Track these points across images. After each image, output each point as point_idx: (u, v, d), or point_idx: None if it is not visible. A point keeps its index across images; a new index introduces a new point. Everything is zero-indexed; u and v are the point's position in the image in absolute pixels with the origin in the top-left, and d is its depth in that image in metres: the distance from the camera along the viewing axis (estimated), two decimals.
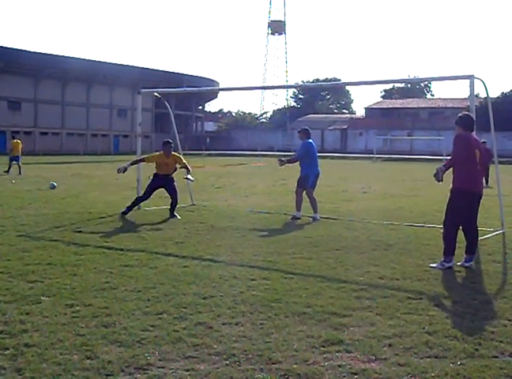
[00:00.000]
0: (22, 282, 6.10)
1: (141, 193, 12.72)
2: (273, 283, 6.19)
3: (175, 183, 12.07)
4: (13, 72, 67.09)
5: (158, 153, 12.33)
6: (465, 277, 6.71)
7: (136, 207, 11.96)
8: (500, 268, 7.18)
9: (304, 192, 11.80)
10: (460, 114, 7.65)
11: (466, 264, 7.24)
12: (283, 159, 12.56)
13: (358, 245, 8.70)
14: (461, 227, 7.41)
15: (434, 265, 7.19)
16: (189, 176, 12.06)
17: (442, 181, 7.24)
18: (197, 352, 4.19)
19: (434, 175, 7.30)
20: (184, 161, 12.16)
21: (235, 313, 5.13)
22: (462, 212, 7.30)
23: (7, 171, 24.80)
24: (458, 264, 7.27)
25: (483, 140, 20.00)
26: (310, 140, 11.99)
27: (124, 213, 11.45)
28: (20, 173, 24.19)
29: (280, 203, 14.48)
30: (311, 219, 11.37)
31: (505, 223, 10.06)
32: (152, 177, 12.09)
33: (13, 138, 26.70)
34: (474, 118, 7.59)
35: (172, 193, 11.87)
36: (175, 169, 12.25)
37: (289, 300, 5.54)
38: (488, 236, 9.44)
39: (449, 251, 7.22)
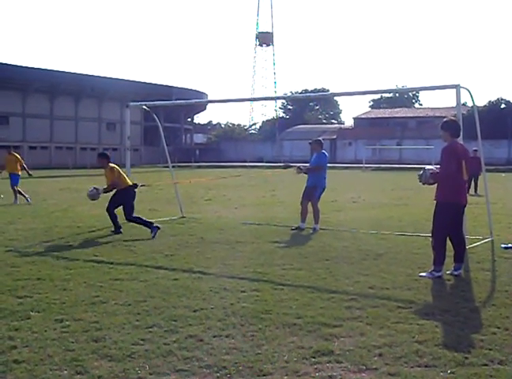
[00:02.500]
0: (11, 297, 6.07)
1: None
2: (264, 295, 6.19)
3: (124, 197, 11.13)
4: (0, 86, 66.89)
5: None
6: (455, 285, 6.74)
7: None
8: (489, 276, 7.22)
9: (308, 203, 11.86)
10: (445, 119, 7.64)
11: (455, 273, 7.28)
12: (301, 167, 12.30)
13: (348, 255, 8.72)
14: (448, 237, 7.45)
15: (423, 274, 7.22)
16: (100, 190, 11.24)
17: (425, 183, 7.41)
18: (188, 365, 4.18)
19: (420, 176, 7.43)
20: (116, 176, 11.15)
21: (226, 325, 5.12)
22: (449, 223, 7.33)
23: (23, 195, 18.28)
24: (448, 272, 7.31)
25: (474, 149, 20.18)
26: (325, 152, 12.15)
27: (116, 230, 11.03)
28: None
29: (270, 214, 14.50)
30: (312, 229, 11.42)
31: (493, 231, 10.12)
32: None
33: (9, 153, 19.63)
34: (459, 125, 7.63)
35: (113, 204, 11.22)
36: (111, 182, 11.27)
37: (279, 311, 5.54)
38: (477, 244, 9.50)
39: (438, 261, 7.25)
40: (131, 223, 11.09)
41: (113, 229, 11.04)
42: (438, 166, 7.52)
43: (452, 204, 7.28)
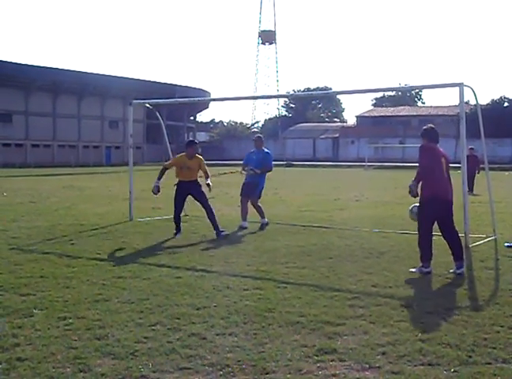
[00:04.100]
0: (14, 295, 6.07)
1: (133, 204, 12.76)
2: (267, 293, 6.18)
3: (202, 188, 10.73)
4: (3, 84, 67.01)
5: (179, 155, 10.92)
6: (458, 284, 6.73)
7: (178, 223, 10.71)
8: (492, 275, 7.21)
9: (248, 201, 11.85)
10: (425, 127, 7.84)
11: (458, 272, 7.26)
12: (255, 170, 11.84)
13: (351, 253, 8.72)
14: (443, 237, 7.58)
15: (413, 270, 7.33)
16: (209, 181, 10.64)
17: (417, 195, 7.45)
18: (191, 363, 4.18)
19: (409, 193, 7.49)
20: (205, 166, 10.84)
21: (229, 323, 5.12)
22: (434, 219, 7.44)
23: None
24: (450, 271, 7.31)
25: (470, 147, 20.12)
26: (269, 151, 12.15)
27: (176, 234, 10.44)
28: None
29: (272, 212, 14.47)
30: (261, 225, 11.63)
31: (497, 230, 10.10)
32: (175, 186, 10.88)
33: None
34: (437, 132, 7.77)
35: (202, 199, 10.64)
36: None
37: (282, 309, 5.53)
38: (480, 242, 9.48)
39: (425, 257, 7.37)
40: (139, 221, 11.10)
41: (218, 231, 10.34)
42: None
43: (437, 200, 7.34)
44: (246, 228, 11.45)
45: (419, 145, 7.62)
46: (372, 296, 6.10)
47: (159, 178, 10.74)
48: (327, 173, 40.29)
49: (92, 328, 4.94)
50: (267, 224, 11.63)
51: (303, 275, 7.12)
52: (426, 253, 7.39)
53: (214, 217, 10.48)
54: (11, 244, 9.38)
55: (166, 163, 11.18)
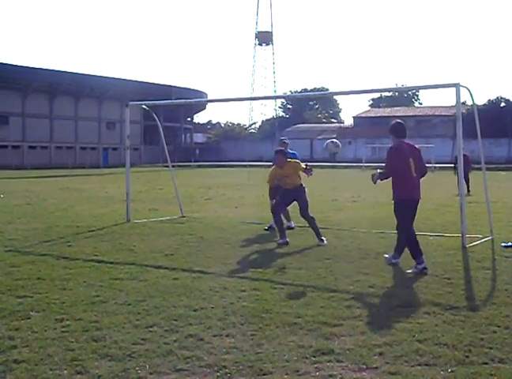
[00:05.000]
0: (11, 297, 6.06)
1: (130, 205, 12.77)
2: (263, 294, 6.18)
3: (305, 195, 10.18)
4: (0, 86, 66.91)
5: (272, 169, 10.53)
6: (455, 284, 6.73)
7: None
8: (489, 275, 7.22)
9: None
10: (391, 123, 8.01)
11: (393, 261, 7.77)
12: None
13: (348, 254, 8.72)
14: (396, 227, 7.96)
15: (410, 271, 7.42)
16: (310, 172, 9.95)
17: (375, 183, 7.82)
18: (189, 365, 4.17)
19: (372, 178, 7.79)
20: (302, 166, 10.11)
21: (226, 324, 5.12)
22: (411, 217, 7.74)
23: None
24: (392, 260, 7.76)
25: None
26: (295, 151, 12.21)
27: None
28: None
29: (269, 213, 14.44)
30: (286, 227, 11.45)
31: (494, 230, 10.11)
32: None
33: None
34: (405, 127, 7.92)
35: (303, 205, 10.11)
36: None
37: (279, 310, 5.53)
38: (477, 243, 9.50)
39: (416, 253, 7.53)
40: (136, 223, 11.10)
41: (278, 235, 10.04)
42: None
43: (407, 201, 7.68)
44: (293, 228, 11.46)
45: (390, 146, 7.84)
46: (369, 297, 6.11)
47: (271, 199, 10.56)
48: (324, 173, 40.26)
49: (89, 330, 4.94)
50: (293, 228, 11.47)
51: (299, 276, 7.12)
52: (416, 250, 7.55)
53: (314, 225, 10.00)
54: (8, 246, 9.36)
55: (268, 182, 10.70)
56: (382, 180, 7.79)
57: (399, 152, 7.66)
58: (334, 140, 8.02)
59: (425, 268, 7.32)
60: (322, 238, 9.78)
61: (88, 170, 55.94)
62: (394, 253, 7.92)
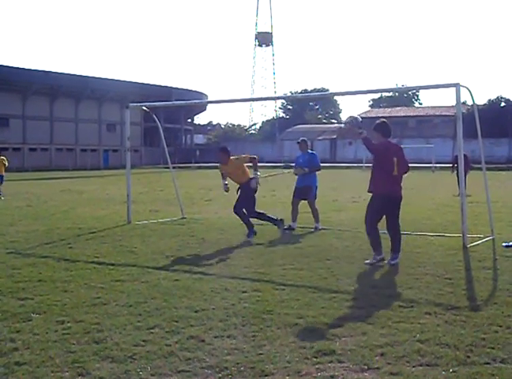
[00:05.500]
0: (12, 299, 6.06)
1: (131, 207, 12.81)
2: (265, 295, 6.18)
3: (248, 193, 10.48)
4: (0, 88, 66.95)
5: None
6: (456, 284, 6.72)
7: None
8: (490, 275, 7.21)
9: (299, 203, 11.95)
10: (378, 121, 8.24)
11: (392, 262, 7.82)
12: (304, 169, 12.00)
13: (349, 254, 8.72)
14: (387, 231, 8.20)
15: (368, 261, 7.89)
16: (258, 173, 10.49)
17: (355, 131, 8.00)
18: (190, 366, 4.17)
19: (350, 122, 8.04)
20: (245, 157, 10.57)
21: (227, 325, 5.12)
22: (381, 213, 8.06)
23: None
24: (385, 262, 7.81)
25: None
26: (314, 152, 12.38)
27: (287, 228, 10.92)
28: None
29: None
30: (313, 228, 11.55)
31: (494, 230, 10.11)
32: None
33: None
34: (390, 127, 8.15)
35: (240, 200, 10.51)
36: (246, 173, 10.60)
37: (281, 311, 5.53)
38: (478, 242, 9.50)
39: (375, 245, 7.98)
40: (137, 224, 11.07)
41: (247, 232, 10.42)
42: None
43: (385, 196, 7.95)
44: (294, 229, 11.56)
45: (376, 142, 8.02)
46: (370, 297, 6.10)
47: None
48: (325, 174, 40.17)
49: (90, 332, 4.93)
50: (319, 229, 11.51)
51: (301, 277, 7.12)
52: (376, 241, 7.98)
53: (246, 223, 10.53)
54: (9, 248, 9.36)
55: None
56: (362, 140, 7.86)
57: (384, 151, 7.93)
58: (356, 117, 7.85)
59: (382, 260, 7.84)
60: (250, 237, 10.20)
61: (88, 171, 55.96)
62: (392, 254, 7.97)
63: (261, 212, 10.82)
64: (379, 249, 7.97)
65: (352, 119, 8.11)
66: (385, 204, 8.01)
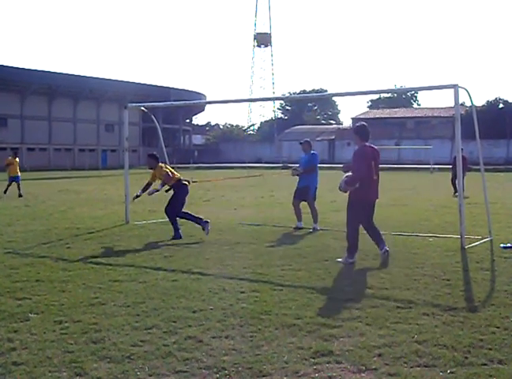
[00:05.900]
0: (10, 299, 6.06)
1: (129, 207, 12.80)
2: (263, 295, 6.18)
3: (172, 198, 10.97)
4: None
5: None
6: (454, 285, 6.73)
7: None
8: (488, 276, 7.22)
9: (300, 203, 12.02)
10: (357, 124, 8.51)
11: (385, 249, 8.10)
12: (297, 169, 12.25)
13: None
14: (364, 231, 8.40)
15: (340, 260, 8.07)
16: (158, 188, 10.84)
17: (346, 192, 8.21)
18: (188, 366, 4.17)
19: (339, 188, 8.21)
20: (164, 173, 10.82)
21: (225, 326, 5.12)
22: (362, 217, 8.24)
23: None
24: (379, 252, 8.15)
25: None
26: (315, 152, 12.37)
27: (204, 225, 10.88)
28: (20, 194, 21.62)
29: (268, 215, 14.49)
30: (311, 229, 11.54)
31: (492, 231, 10.12)
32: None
33: (16, 155, 23.31)
34: (369, 130, 8.34)
35: (169, 203, 10.95)
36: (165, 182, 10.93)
37: (279, 312, 5.53)
38: (476, 244, 9.50)
39: (352, 249, 8.11)
40: (135, 225, 11.05)
41: (173, 234, 10.63)
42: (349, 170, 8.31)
43: (363, 201, 8.17)
44: (301, 228, 11.68)
45: (354, 150, 8.30)
46: (368, 298, 6.11)
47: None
48: (323, 175, 40.17)
49: (88, 332, 4.93)
50: (318, 230, 11.53)
51: (299, 278, 7.12)
52: (353, 245, 8.11)
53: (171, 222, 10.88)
54: (7, 248, 9.35)
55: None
56: (351, 187, 8.06)
57: (363, 155, 8.09)
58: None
59: (353, 264, 7.94)
60: (177, 235, 10.51)
61: (86, 171, 55.90)
62: (379, 245, 8.23)
63: (187, 211, 11.01)
64: (354, 253, 8.13)
65: (340, 186, 8.23)
66: (367, 207, 8.29)
